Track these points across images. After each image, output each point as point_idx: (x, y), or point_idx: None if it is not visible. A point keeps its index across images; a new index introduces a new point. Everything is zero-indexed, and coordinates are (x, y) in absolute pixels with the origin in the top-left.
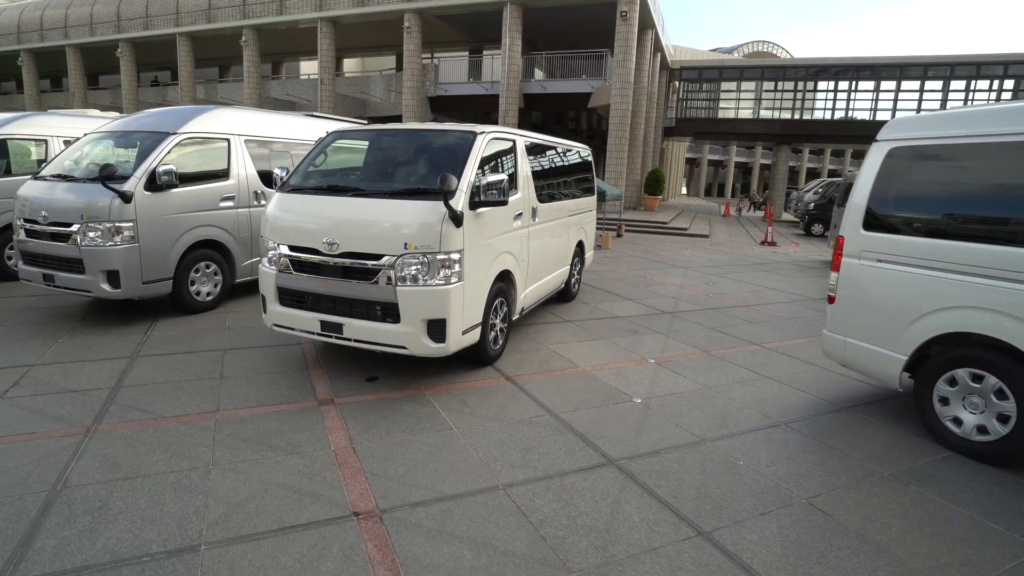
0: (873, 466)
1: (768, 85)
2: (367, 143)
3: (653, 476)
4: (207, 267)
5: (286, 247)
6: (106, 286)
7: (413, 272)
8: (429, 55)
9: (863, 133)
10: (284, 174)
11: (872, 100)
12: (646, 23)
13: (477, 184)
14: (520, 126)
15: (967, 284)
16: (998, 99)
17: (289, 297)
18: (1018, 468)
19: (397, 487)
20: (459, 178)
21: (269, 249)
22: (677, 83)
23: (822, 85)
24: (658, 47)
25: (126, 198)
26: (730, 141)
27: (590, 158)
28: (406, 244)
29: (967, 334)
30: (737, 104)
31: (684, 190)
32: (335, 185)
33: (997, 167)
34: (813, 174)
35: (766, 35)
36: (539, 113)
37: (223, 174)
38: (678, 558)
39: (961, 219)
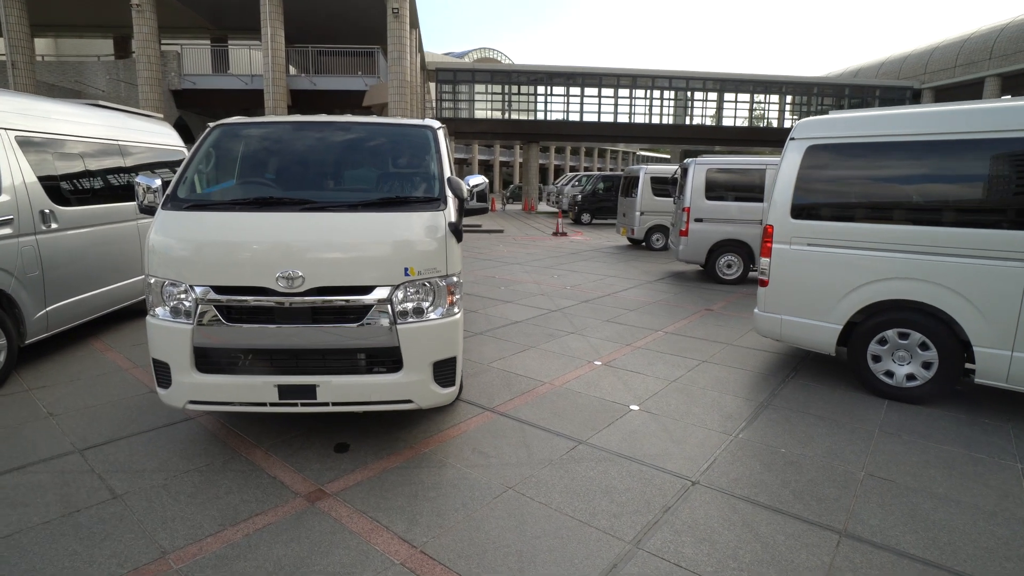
0: (863, 427)
1: (515, 88)
2: (279, 140)
3: (740, 486)
4: None
5: (208, 288)
6: None
7: (416, 304)
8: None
9: (595, 133)
10: (155, 184)
11: (597, 103)
12: (413, 22)
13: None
14: None
15: (891, 259)
16: (685, 106)
17: (218, 359)
18: (940, 403)
19: None
20: (440, 182)
21: (171, 293)
22: (433, 84)
23: (558, 90)
24: (419, 47)
25: None
26: (488, 140)
27: None
28: (407, 269)
29: (894, 300)
30: (489, 105)
31: None
32: (269, 197)
33: (904, 162)
34: (542, 169)
35: (486, 42)
36: (295, 111)
37: None
38: (857, 566)
39: (880, 205)
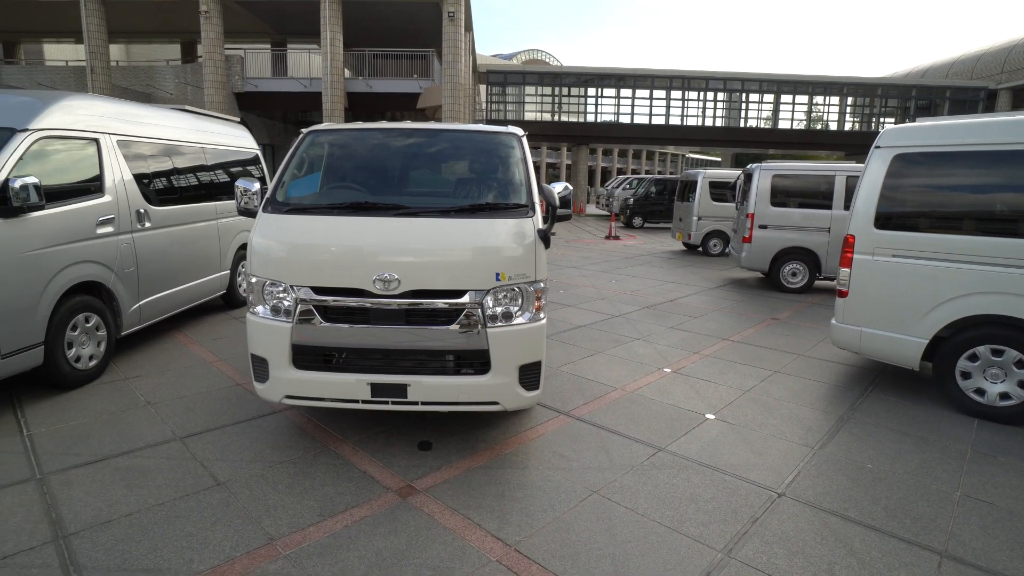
0: (954, 445)
1: (564, 90)
2: (369, 146)
3: (828, 500)
4: (87, 321)
5: (308, 289)
6: None
7: (505, 308)
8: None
9: (646, 135)
10: (253, 187)
11: (648, 105)
12: (467, 25)
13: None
14: None
15: (984, 272)
16: (739, 108)
17: (313, 356)
18: None
19: None
20: (527, 188)
21: (271, 293)
22: (483, 86)
23: (609, 91)
24: (471, 50)
25: None
26: (537, 142)
27: None
28: (498, 275)
29: (987, 315)
30: (539, 107)
31: None
32: (364, 202)
33: (1001, 171)
34: (589, 171)
35: (534, 44)
36: (351, 113)
37: (95, 188)
38: None
39: (974, 216)
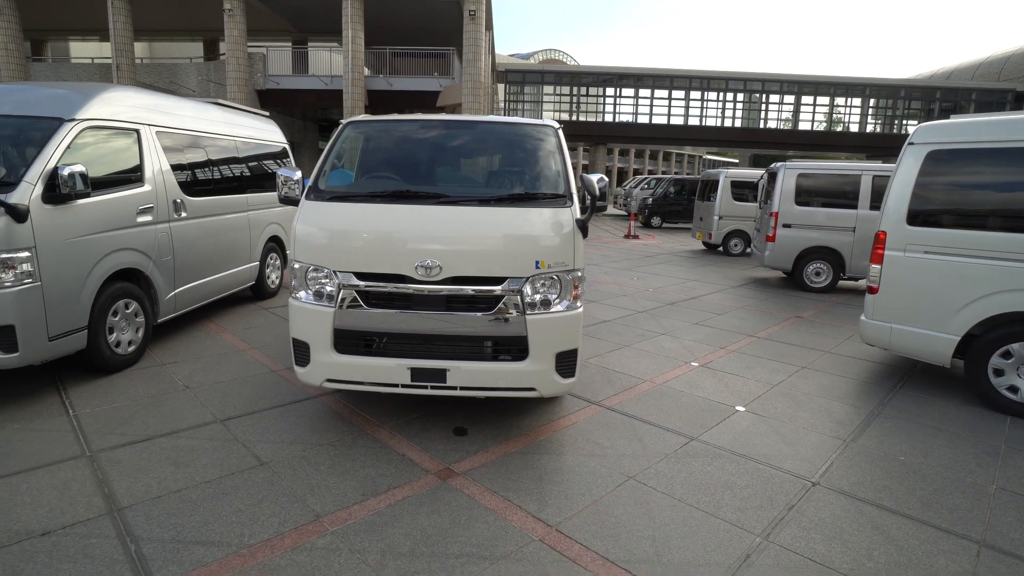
0: (988, 441)
1: (583, 90)
2: (408, 136)
3: (863, 490)
4: (126, 307)
5: (351, 274)
6: None
7: (544, 296)
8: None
9: (664, 135)
10: (295, 176)
11: (666, 105)
12: (488, 24)
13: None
14: None
15: (1020, 269)
16: (758, 109)
17: (354, 341)
18: None
19: None
20: (565, 179)
21: (314, 278)
22: (502, 85)
23: (627, 91)
24: (491, 49)
25: (19, 214)
26: None
27: None
28: (537, 263)
29: (1021, 313)
30: (557, 106)
31: None
32: (405, 190)
33: None
34: (606, 172)
35: (551, 44)
36: (371, 110)
37: (136, 178)
38: None
39: (1009, 213)
